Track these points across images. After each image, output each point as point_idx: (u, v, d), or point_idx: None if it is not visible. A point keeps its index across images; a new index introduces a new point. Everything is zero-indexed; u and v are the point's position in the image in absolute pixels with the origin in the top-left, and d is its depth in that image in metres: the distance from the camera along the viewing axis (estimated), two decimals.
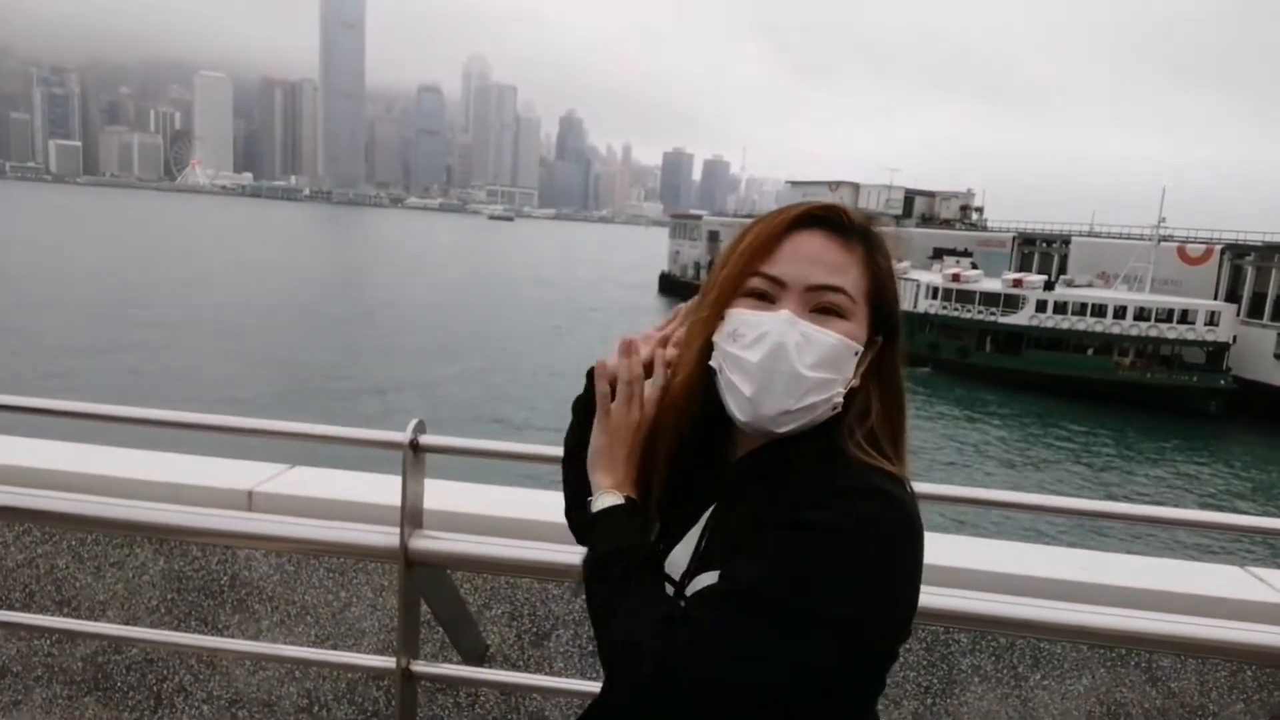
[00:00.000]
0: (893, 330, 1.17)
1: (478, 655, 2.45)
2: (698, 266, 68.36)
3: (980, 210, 70.07)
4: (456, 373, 34.57)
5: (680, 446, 1.20)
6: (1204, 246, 43.95)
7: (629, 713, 1.15)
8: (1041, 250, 52.34)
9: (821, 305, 1.10)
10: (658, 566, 1.15)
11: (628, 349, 1.22)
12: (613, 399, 1.20)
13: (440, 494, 2.28)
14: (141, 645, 2.65)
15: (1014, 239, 54.57)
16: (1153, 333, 38.86)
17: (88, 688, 2.69)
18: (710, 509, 1.17)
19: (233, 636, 2.63)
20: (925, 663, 2.45)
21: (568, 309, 56.46)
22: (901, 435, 1.17)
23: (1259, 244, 42.14)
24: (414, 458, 2.10)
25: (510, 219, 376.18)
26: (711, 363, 1.14)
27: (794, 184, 74.05)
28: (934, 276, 45.78)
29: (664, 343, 1.26)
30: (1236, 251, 42.46)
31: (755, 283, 1.12)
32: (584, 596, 1.23)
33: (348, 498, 2.62)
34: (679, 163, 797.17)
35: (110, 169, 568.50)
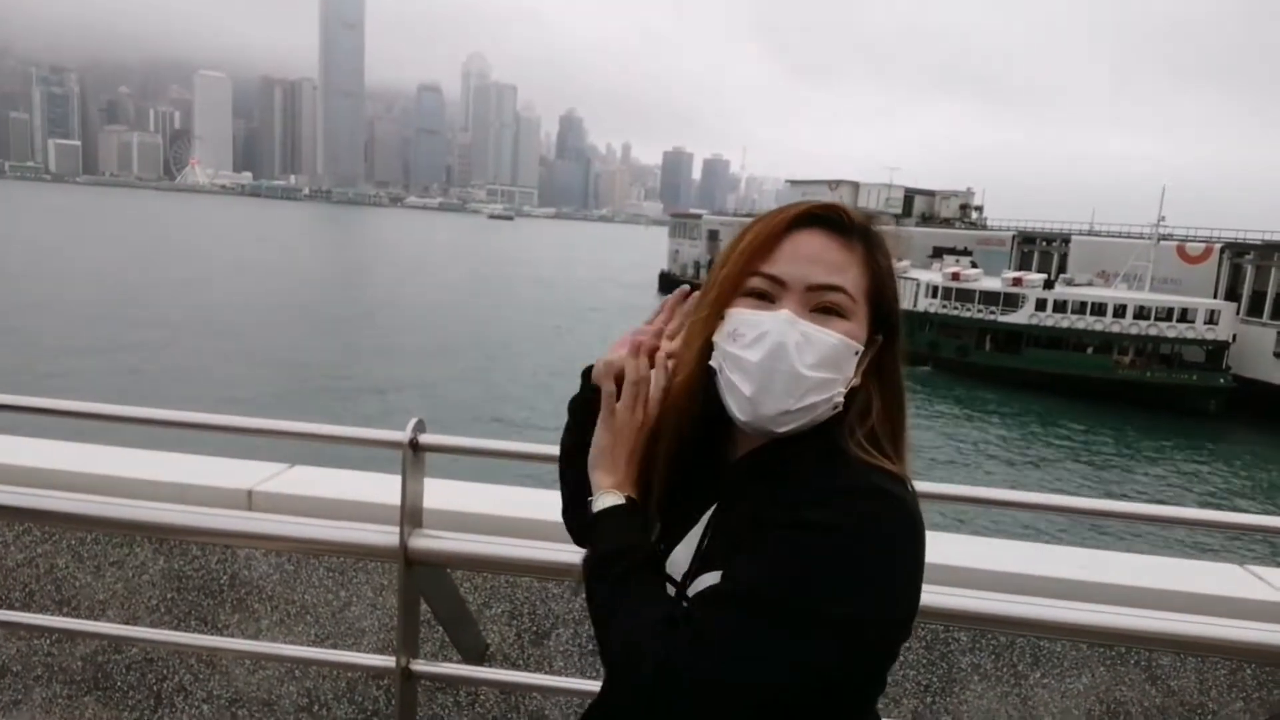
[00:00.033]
0: (893, 329, 1.16)
1: (478, 654, 2.45)
2: (698, 266, 68.33)
3: (980, 209, 70.08)
4: (456, 372, 34.57)
5: (680, 446, 1.19)
6: (1203, 245, 43.96)
7: (630, 713, 1.15)
8: (1041, 249, 52.34)
9: (822, 305, 1.10)
10: (658, 566, 1.14)
11: (637, 349, 1.22)
12: (617, 398, 1.20)
13: (440, 493, 2.28)
14: (141, 645, 2.65)
15: (1013, 238, 54.57)
16: (1152, 331, 38.85)
17: (88, 687, 2.69)
18: (711, 509, 1.16)
19: (233, 636, 2.64)
20: (925, 661, 2.45)
21: (567, 308, 56.45)
22: (902, 434, 1.17)
23: (1258, 242, 42.15)
24: (413, 457, 2.10)
25: (510, 218, 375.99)
26: (711, 362, 1.14)
27: (794, 183, 74.06)
28: (934, 275, 45.78)
29: (659, 338, 1.27)
30: (1236, 250, 42.47)
31: (755, 282, 1.12)
32: (584, 596, 1.23)
33: (347, 497, 2.62)
34: (679, 162, 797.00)
35: (110, 168, 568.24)
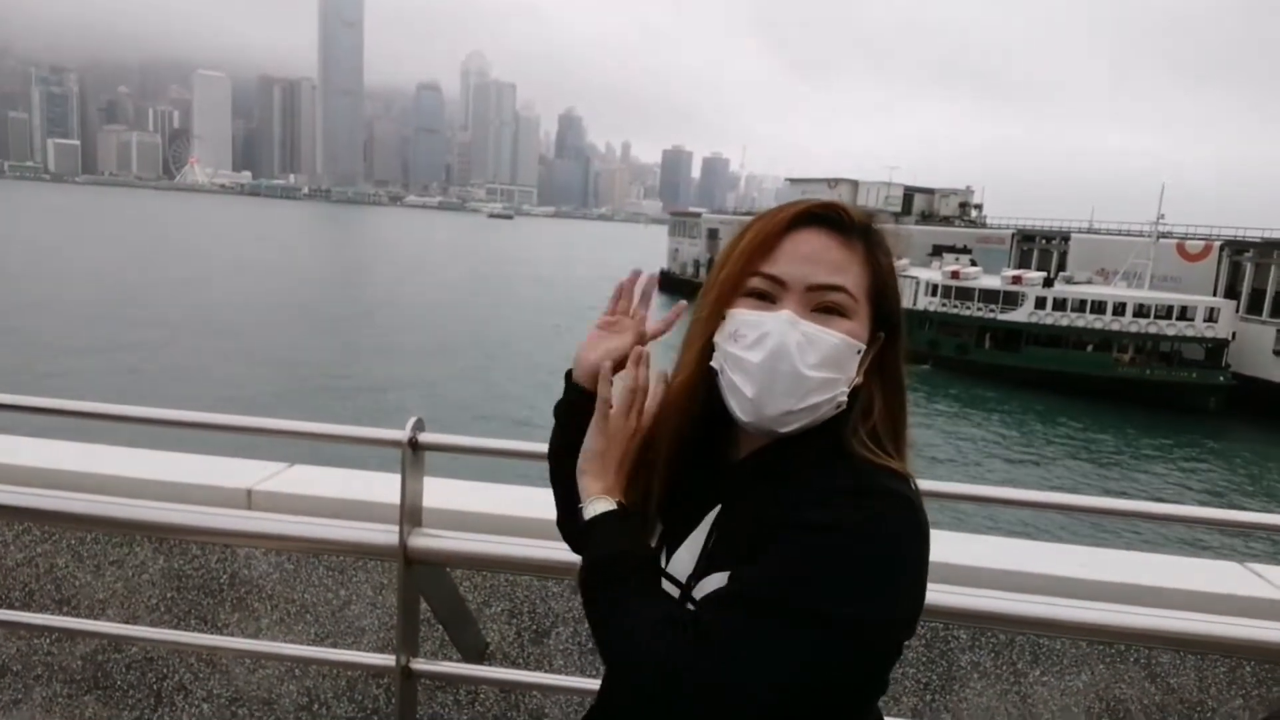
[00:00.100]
0: (895, 327, 1.16)
1: (477, 653, 2.45)
2: (697, 264, 68.31)
3: (979, 207, 70.07)
4: (455, 371, 34.57)
5: (681, 447, 1.19)
6: (1203, 243, 43.96)
7: (633, 715, 1.15)
8: (1041, 247, 52.33)
9: (823, 304, 1.10)
10: (656, 569, 1.14)
11: (638, 358, 1.21)
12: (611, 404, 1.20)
13: (439, 492, 2.28)
14: (141, 644, 2.65)
15: (1013, 236, 54.55)
16: (1152, 329, 38.85)
17: (87, 686, 2.69)
18: (715, 510, 1.16)
19: (232, 635, 2.64)
20: (925, 659, 2.45)
21: (567, 307, 56.40)
22: (903, 432, 1.16)
23: (1258, 240, 42.12)
24: (413, 456, 2.11)
25: (510, 217, 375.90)
26: (713, 363, 1.13)
27: (793, 181, 74.04)
28: (933, 274, 45.76)
29: (642, 340, 1.29)
30: (1235, 248, 42.46)
31: (755, 282, 1.12)
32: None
33: (347, 496, 2.62)
34: (678, 160, 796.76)
35: (109, 168, 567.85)
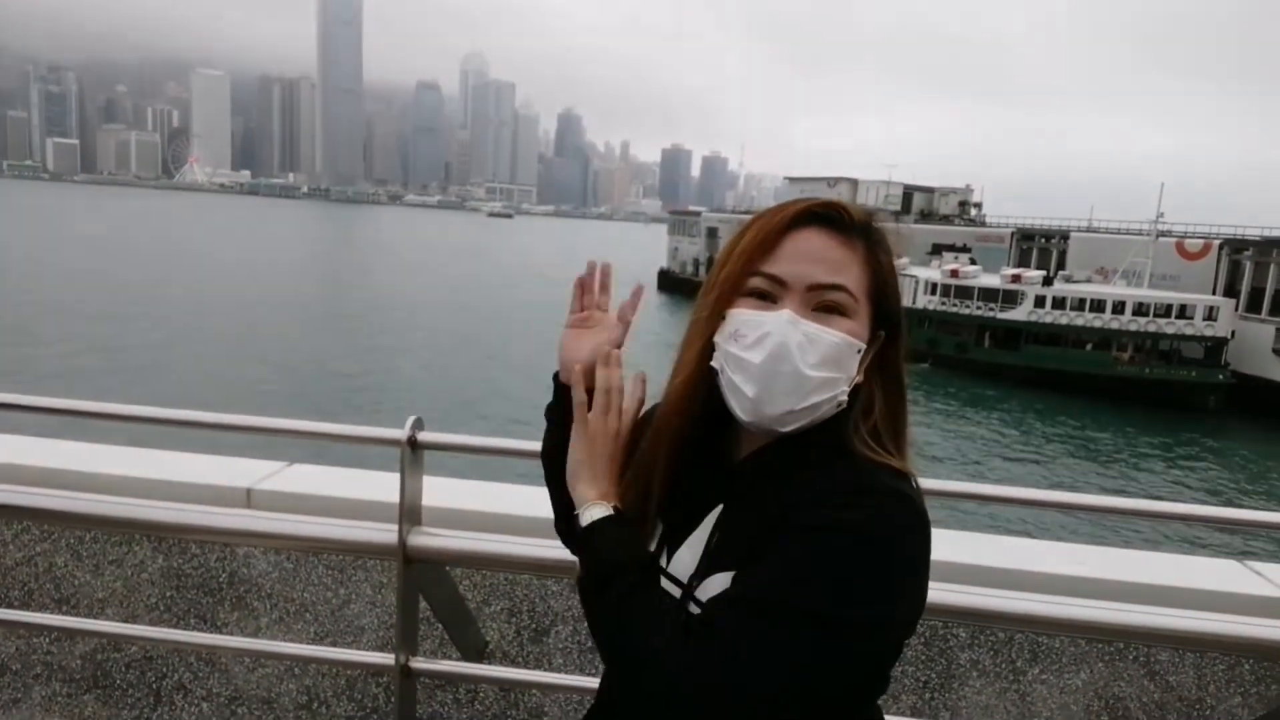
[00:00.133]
0: (895, 326, 1.16)
1: (477, 652, 2.46)
2: (696, 263, 68.31)
3: (979, 206, 70.09)
4: (455, 370, 34.57)
5: (681, 447, 1.18)
6: (1202, 241, 43.96)
7: (633, 714, 1.15)
8: (1040, 246, 52.33)
9: (823, 304, 1.09)
10: (655, 573, 1.13)
11: (606, 359, 1.21)
12: (589, 407, 1.20)
13: (438, 491, 2.28)
14: (141, 643, 2.65)
15: (1012, 234, 54.55)
16: (1151, 328, 38.86)
17: (87, 685, 2.69)
18: (716, 510, 1.15)
19: (232, 634, 2.64)
20: (924, 657, 2.46)
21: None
22: (904, 430, 1.16)
23: (1257, 239, 42.13)
24: (412, 455, 2.11)
25: (509, 216, 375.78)
26: (713, 363, 1.13)
27: (792, 180, 74.02)
28: (932, 272, 45.77)
29: (625, 324, 1.30)
30: (1235, 246, 42.47)
31: (756, 282, 1.11)
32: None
33: (346, 495, 2.62)
34: (677, 159, 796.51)
35: (108, 167, 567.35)
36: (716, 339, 1.13)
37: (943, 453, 27.60)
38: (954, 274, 44.63)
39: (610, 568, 1.09)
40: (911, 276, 44.57)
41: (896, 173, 71.81)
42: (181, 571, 2.68)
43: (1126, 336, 39.04)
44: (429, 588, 2.22)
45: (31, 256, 63.11)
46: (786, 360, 1.07)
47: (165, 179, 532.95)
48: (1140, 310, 39.35)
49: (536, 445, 2.11)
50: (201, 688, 2.66)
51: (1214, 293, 40.92)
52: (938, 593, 1.92)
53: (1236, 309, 39.37)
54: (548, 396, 1.38)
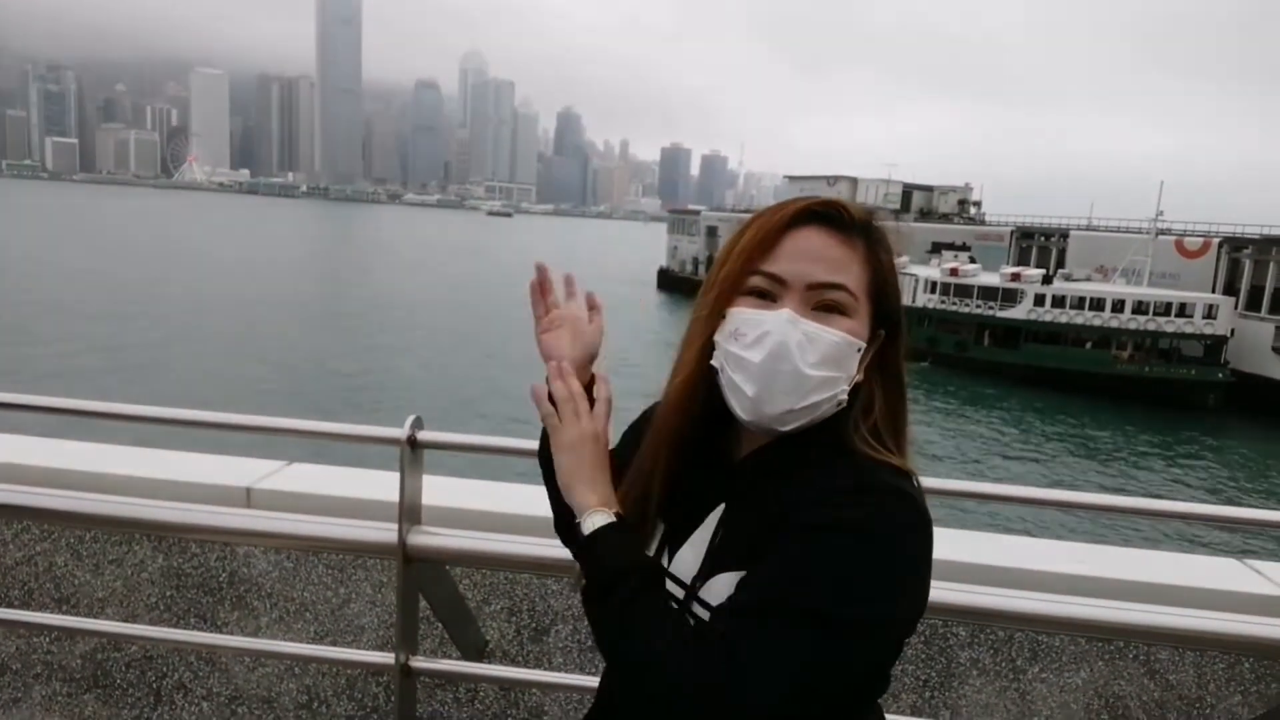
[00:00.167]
0: (895, 325, 1.16)
1: (477, 651, 2.46)
2: (696, 262, 68.31)
3: (978, 204, 70.10)
4: (455, 369, 34.57)
5: (681, 447, 1.18)
6: (1202, 240, 43.97)
7: (633, 714, 1.15)
8: (1039, 244, 52.35)
9: (823, 303, 1.09)
10: (661, 579, 1.13)
11: (557, 372, 1.22)
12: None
13: (438, 490, 2.28)
14: (141, 642, 2.65)
15: (1012, 233, 54.56)
16: (1151, 326, 38.89)
17: (87, 685, 2.69)
18: (717, 509, 1.15)
19: (232, 633, 2.64)
20: (924, 656, 2.46)
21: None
22: (904, 429, 1.16)
23: (1256, 237, 42.12)
24: (411, 454, 2.11)
25: (509, 215, 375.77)
26: (713, 362, 1.13)
27: (792, 179, 74.04)
28: (932, 271, 45.78)
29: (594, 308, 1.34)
30: (1234, 244, 42.47)
31: (756, 281, 1.11)
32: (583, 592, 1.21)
33: (346, 494, 2.62)
34: (677, 158, 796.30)
35: (107, 166, 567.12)
36: (716, 338, 1.13)
37: (942, 451, 27.61)
38: (953, 272, 44.64)
39: (613, 574, 1.08)
40: (911, 275, 44.58)
41: (896, 172, 71.79)
42: (181, 571, 2.67)
43: (1126, 335, 39.06)
44: (429, 587, 2.22)
45: (30, 256, 63.06)
46: (786, 359, 1.07)
47: (164, 178, 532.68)
48: (1140, 309, 39.37)
49: (535, 444, 2.11)
50: (202, 687, 2.66)
51: (1213, 291, 40.93)
52: (938, 591, 1.91)
53: (1236, 307, 39.39)
54: None
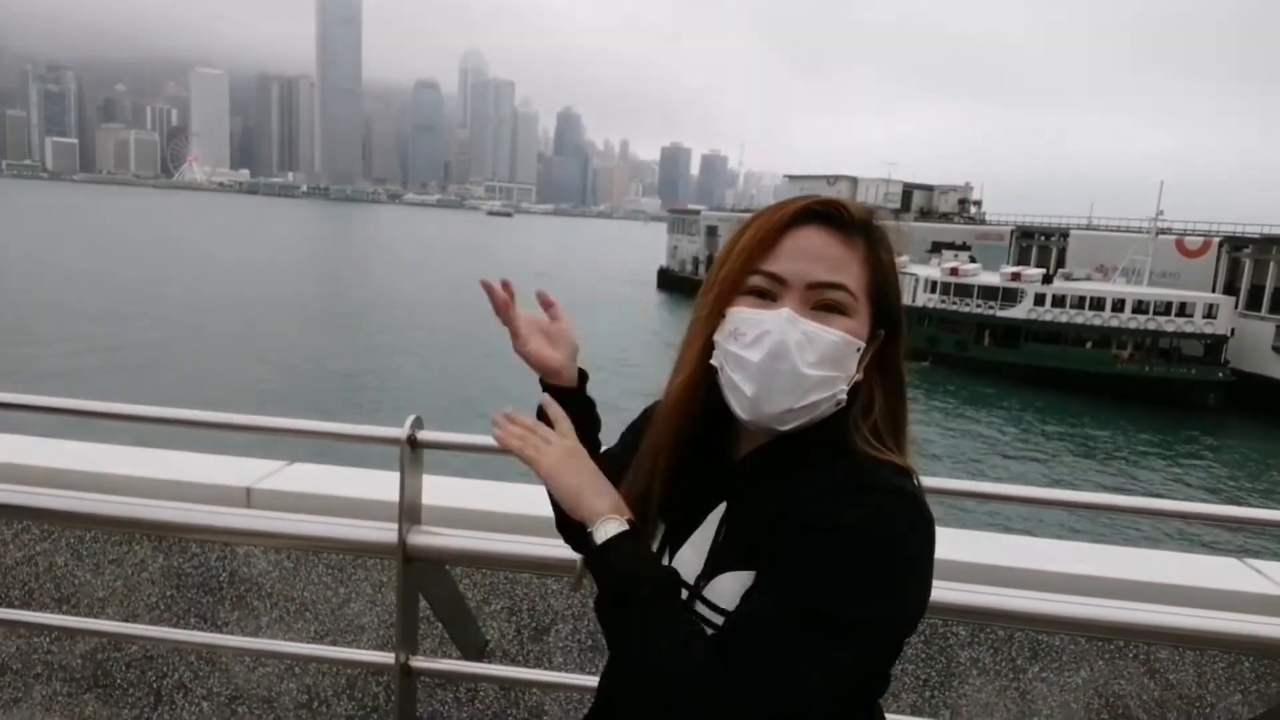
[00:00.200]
0: (895, 325, 1.16)
1: (477, 650, 2.46)
2: (696, 261, 68.30)
3: (978, 204, 70.08)
4: (455, 368, 34.58)
5: (682, 446, 1.18)
6: (1202, 239, 43.95)
7: (633, 714, 1.15)
8: (1039, 243, 52.35)
9: (823, 303, 1.09)
10: (677, 587, 1.11)
11: (494, 423, 1.20)
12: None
13: (438, 490, 2.28)
14: (141, 642, 2.65)
15: (1012, 232, 54.56)
16: (1151, 326, 38.88)
17: (87, 685, 2.69)
18: (718, 509, 1.15)
19: (232, 633, 2.64)
20: (924, 655, 2.46)
21: (567, 305, 56.31)
22: (903, 429, 1.16)
23: (1257, 236, 42.11)
24: (411, 453, 2.11)
25: (509, 215, 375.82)
26: (713, 361, 1.13)
27: (792, 178, 74.01)
28: (932, 270, 45.78)
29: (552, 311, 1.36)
30: (1234, 244, 42.46)
31: (755, 280, 1.11)
32: (582, 591, 1.22)
33: (346, 494, 2.62)
34: (677, 157, 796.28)
35: (107, 166, 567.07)
36: (716, 337, 1.13)
37: (942, 451, 27.61)
38: (954, 272, 44.64)
39: (628, 583, 1.06)
40: (911, 274, 44.58)
41: (896, 171, 71.79)
42: (182, 571, 2.67)
43: (1126, 334, 39.06)
44: (429, 587, 2.22)
45: (30, 256, 63.06)
46: (785, 359, 1.07)
47: (164, 178, 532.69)
48: (1140, 308, 39.36)
49: None
50: (202, 687, 2.66)
51: (1214, 290, 40.91)
52: (938, 591, 1.90)
53: (1236, 306, 39.38)
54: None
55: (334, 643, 2.60)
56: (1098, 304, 39.96)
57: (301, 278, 64.32)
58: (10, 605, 2.68)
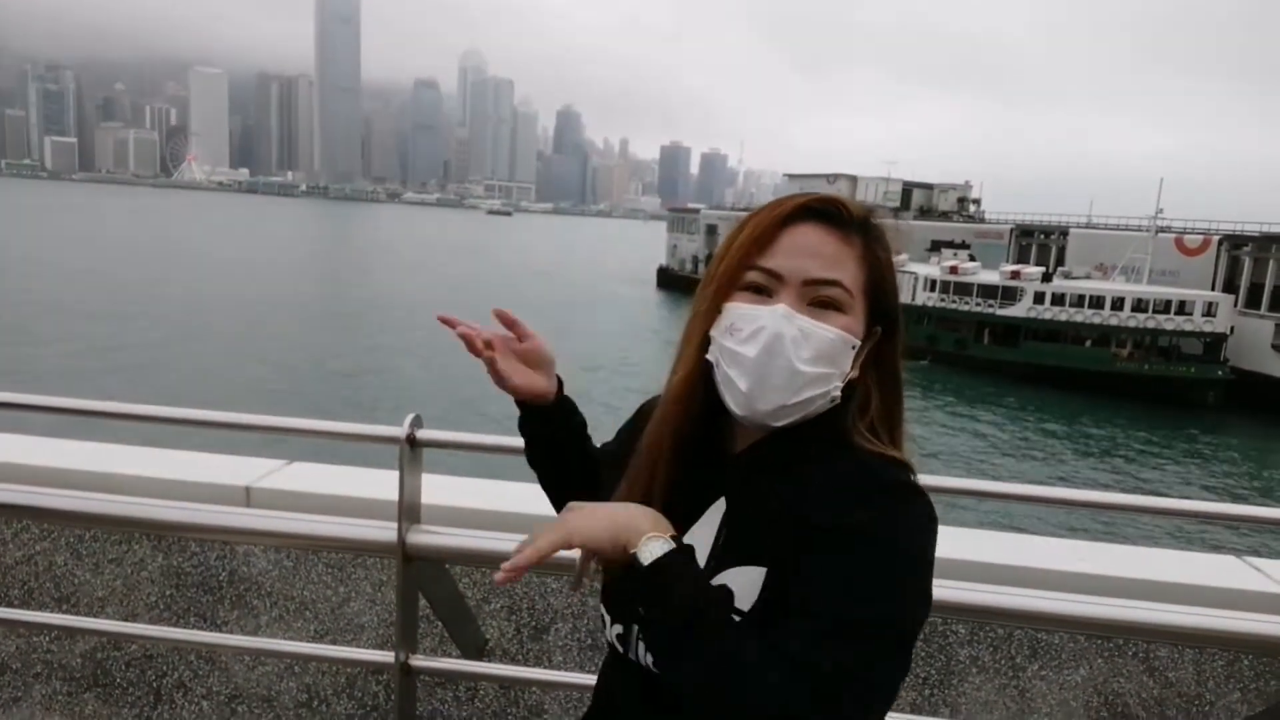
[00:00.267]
0: (892, 323, 1.16)
1: (476, 649, 2.46)
2: (696, 260, 68.29)
3: (978, 202, 70.08)
4: (454, 368, 34.58)
5: (682, 443, 1.18)
6: (1201, 237, 43.95)
7: (633, 714, 1.15)
8: (1039, 242, 52.34)
9: (819, 299, 1.09)
10: (731, 604, 1.07)
11: (513, 565, 1.03)
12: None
13: (438, 489, 2.28)
14: (141, 641, 2.65)
15: (1011, 231, 54.56)
16: (1150, 324, 38.89)
17: (87, 684, 2.69)
18: (716, 505, 1.15)
19: (232, 632, 2.64)
20: (923, 654, 2.46)
21: (566, 304, 56.40)
22: (900, 427, 1.16)
23: (1256, 234, 42.12)
24: (411, 452, 2.10)
25: (508, 214, 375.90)
26: (709, 356, 1.13)
27: (791, 177, 73.98)
28: (932, 269, 45.78)
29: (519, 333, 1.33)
30: (1234, 242, 42.46)
31: (752, 276, 1.11)
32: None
33: (345, 493, 2.62)
34: (676, 156, 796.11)
35: (106, 165, 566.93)
36: (712, 333, 1.13)
37: (942, 449, 27.62)
38: (953, 270, 44.65)
39: (689, 608, 1.00)
40: (910, 273, 44.59)
41: (896, 170, 71.77)
42: (181, 570, 2.68)
43: (1126, 332, 39.06)
44: (428, 585, 2.22)
45: (30, 255, 63.03)
46: (780, 354, 1.07)
47: (163, 177, 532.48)
48: (1139, 306, 39.38)
49: None
50: (202, 686, 2.67)
51: (1213, 288, 40.91)
52: (937, 589, 1.90)
53: (1235, 305, 39.40)
54: None
55: (334, 642, 2.60)
56: (1097, 302, 39.98)
57: (301, 277, 64.29)
58: (10, 604, 2.68)
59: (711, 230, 67.10)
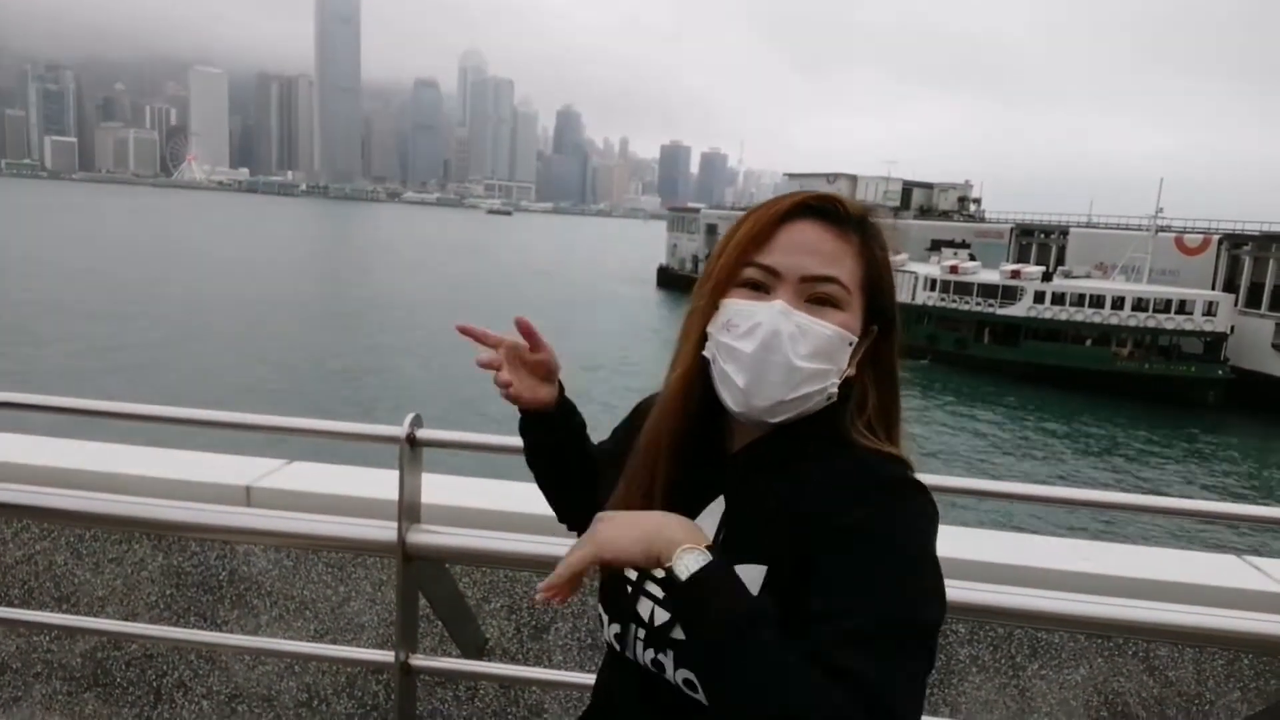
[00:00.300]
0: (889, 320, 1.16)
1: (477, 649, 2.46)
2: (696, 259, 68.30)
3: (978, 202, 70.06)
4: (454, 368, 34.58)
5: (681, 441, 1.17)
6: (1201, 237, 43.94)
7: (633, 713, 1.15)
8: (1039, 241, 52.33)
9: (816, 296, 1.10)
10: (775, 616, 1.02)
11: (556, 589, 1.04)
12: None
13: (437, 488, 2.28)
14: (141, 641, 2.65)
15: (1011, 230, 54.55)
16: (1150, 323, 38.88)
17: (87, 684, 2.69)
18: (716, 502, 1.15)
19: (232, 631, 2.64)
20: None
21: (566, 303, 56.40)
22: (897, 425, 1.17)
23: (1256, 234, 42.11)
24: (411, 452, 2.10)
25: (508, 213, 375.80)
26: (705, 352, 1.13)
27: (791, 176, 73.96)
28: (932, 268, 45.78)
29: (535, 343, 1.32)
30: (1234, 241, 42.44)
31: (750, 273, 1.11)
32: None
33: (345, 492, 2.62)
34: (676, 155, 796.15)
35: (106, 165, 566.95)
36: (710, 329, 1.13)
37: (942, 448, 27.62)
38: (953, 270, 44.64)
39: (733, 622, 0.96)
40: (911, 272, 44.60)
41: (896, 169, 71.75)
42: (181, 569, 2.68)
43: (1126, 332, 39.06)
44: (428, 585, 2.22)
45: (30, 255, 63.02)
46: (778, 350, 1.07)
47: (163, 177, 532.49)
48: (1139, 305, 39.37)
49: None
50: (202, 685, 2.67)
51: (1213, 288, 40.90)
52: None
53: (1236, 304, 39.38)
54: None
55: (334, 641, 2.60)
56: (1097, 301, 39.98)
57: (301, 277, 64.27)
58: (10, 604, 2.68)
59: (711, 230, 67.09)
